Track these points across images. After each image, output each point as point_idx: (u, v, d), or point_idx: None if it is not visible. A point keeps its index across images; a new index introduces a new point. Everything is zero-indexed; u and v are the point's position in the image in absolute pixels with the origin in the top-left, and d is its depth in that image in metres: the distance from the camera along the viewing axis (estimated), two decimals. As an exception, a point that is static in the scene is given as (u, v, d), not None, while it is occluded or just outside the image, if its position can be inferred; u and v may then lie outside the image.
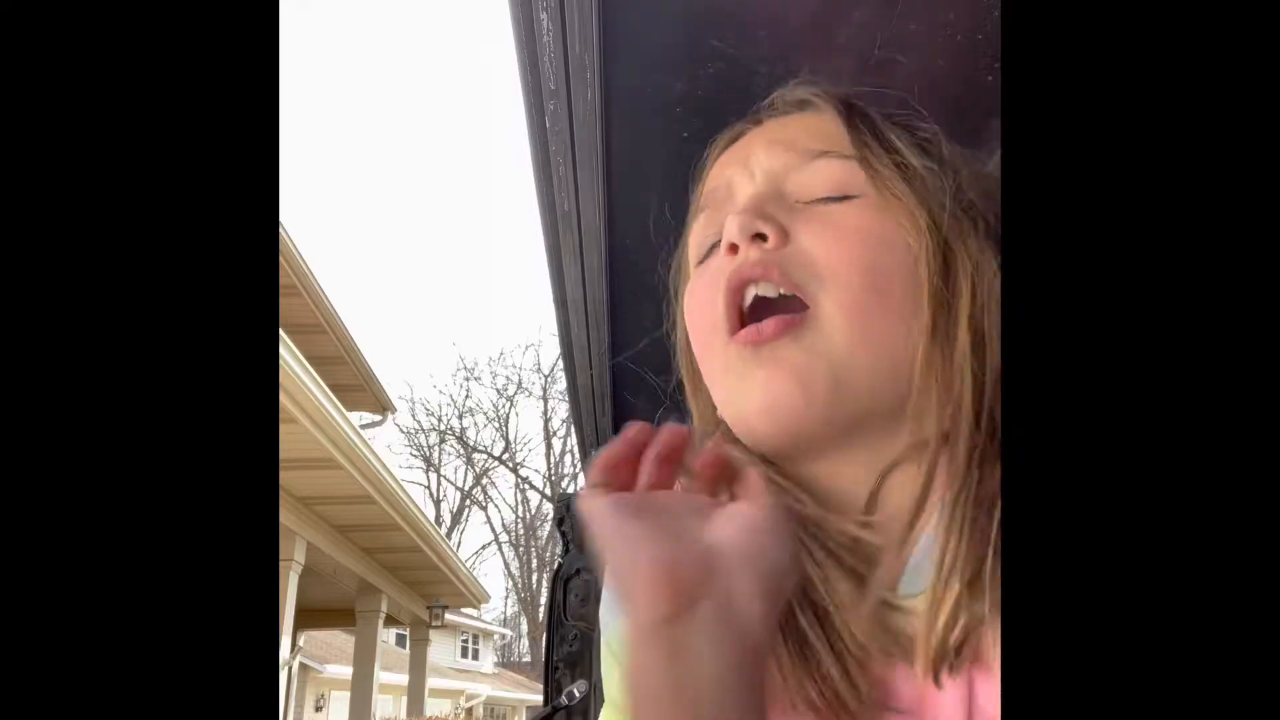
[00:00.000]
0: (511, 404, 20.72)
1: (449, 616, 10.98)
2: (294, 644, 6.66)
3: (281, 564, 6.09)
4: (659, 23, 0.60)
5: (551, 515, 2.02)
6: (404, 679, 10.71)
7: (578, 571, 1.84)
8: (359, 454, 5.82)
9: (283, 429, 5.06)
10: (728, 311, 0.43)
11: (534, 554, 22.46)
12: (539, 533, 22.50)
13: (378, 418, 11.03)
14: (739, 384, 0.43)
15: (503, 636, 23.60)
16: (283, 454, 5.45)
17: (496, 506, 23.10)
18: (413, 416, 21.08)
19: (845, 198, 0.43)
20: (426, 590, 9.98)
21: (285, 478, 5.90)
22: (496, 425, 21.04)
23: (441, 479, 22.33)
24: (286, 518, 6.11)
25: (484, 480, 22.45)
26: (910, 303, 0.40)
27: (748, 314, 0.43)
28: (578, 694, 1.76)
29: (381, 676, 8.74)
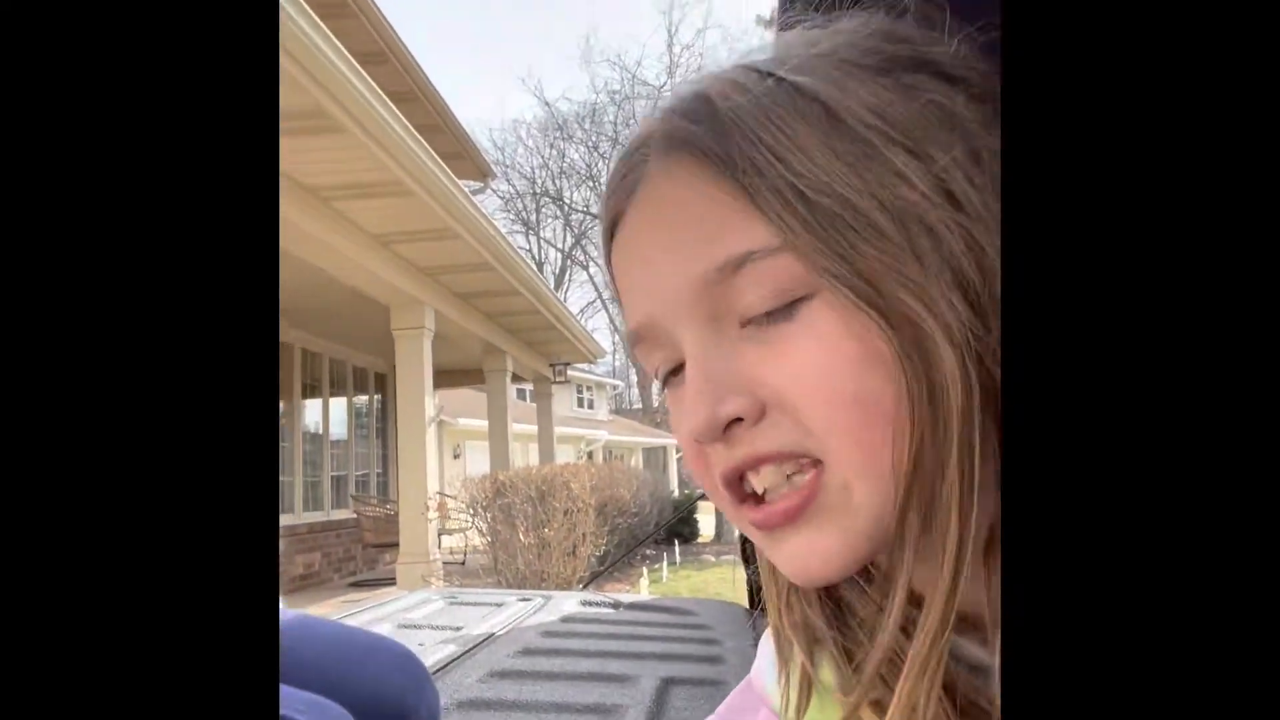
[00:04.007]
0: (607, 161, 20.32)
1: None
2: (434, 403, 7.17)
3: (413, 331, 6.42)
4: None
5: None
6: (529, 428, 11.57)
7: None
8: (475, 223, 5.86)
9: (400, 202, 5.10)
10: (729, 495, 0.35)
11: (638, 309, 23.02)
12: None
13: (478, 185, 11.04)
14: (761, 546, 0.37)
15: (614, 387, 24.93)
16: (403, 226, 5.55)
17: (597, 264, 23.49)
18: (508, 182, 21.04)
19: (794, 303, 0.32)
20: (545, 349, 10.46)
21: (408, 249, 6.04)
22: (591, 184, 20.82)
23: (542, 241, 22.66)
24: (414, 288, 6.34)
25: (583, 240, 22.66)
26: (902, 404, 0.31)
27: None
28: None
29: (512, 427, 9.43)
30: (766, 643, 0.45)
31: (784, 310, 0.32)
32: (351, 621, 1.57)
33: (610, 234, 0.38)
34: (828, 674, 0.38)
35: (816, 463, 0.33)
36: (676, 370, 0.37)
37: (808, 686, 0.39)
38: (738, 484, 0.35)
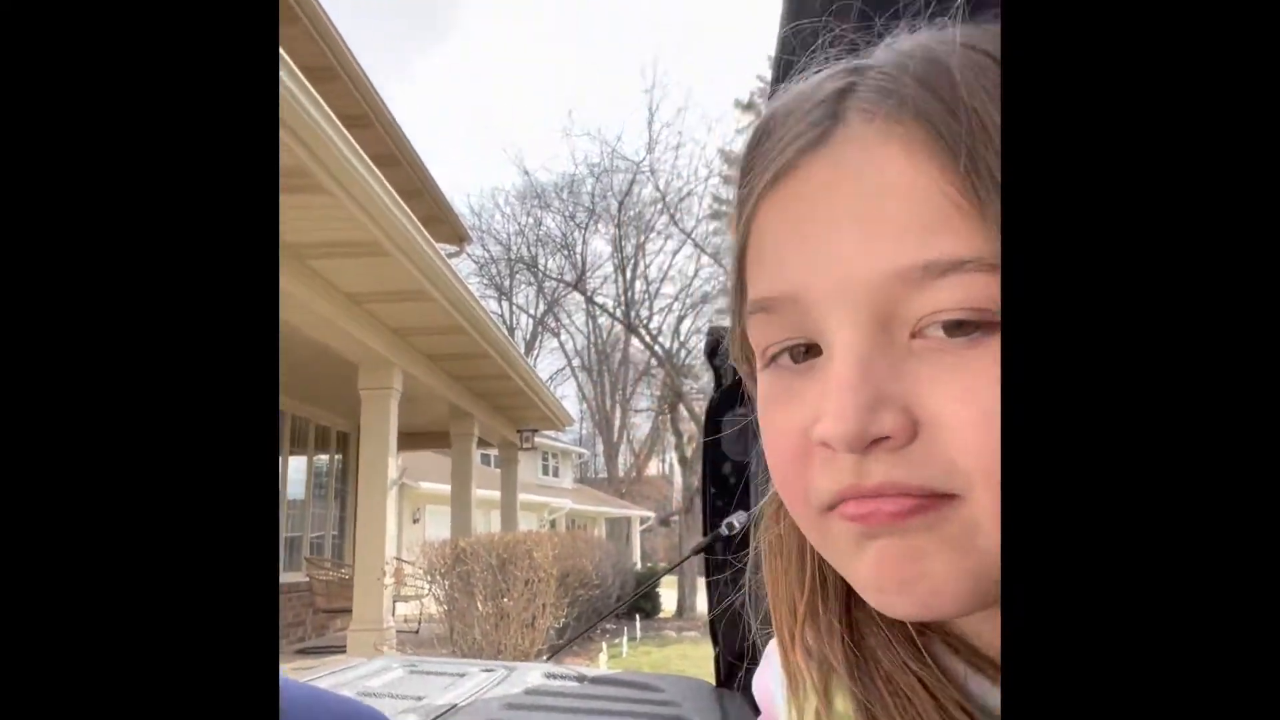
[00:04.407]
0: (583, 231, 20.58)
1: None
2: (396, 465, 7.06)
3: (381, 391, 6.35)
4: None
5: (703, 348, 1.97)
6: (493, 494, 11.39)
7: (732, 405, 1.81)
8: (449, 285, 5.87)
9: (376, 262, 5.11)
10: (827, 500, 0.31)
11: (607, 377, 23.08)
12: (611, 356, 23.01)
13: (454, 249, 11.10)
14: (843, 557, 0.32)
15: (580, 455, 24.74)
16: (377, 287, 5.55)
17: (569, 332, 23.59)
18: (483, 247, 21.19)
19: (980, 326, 0.28)
20: (513, 414, 10.39)
21: (381, 309, 6.03)
22: (566, 253, 21.04)
23: (515, 307, 22.73)
24: (384, 348, 6.30)
25: (555, 307, 22.78)
26: None
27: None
28: (737, 525, 1.78)
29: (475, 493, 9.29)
30: (771, 662, 0.42)
31: (967, 330, 0.29)
32: (308, 689, 1.51)
33: (771, 182, 0.33)
34: (843, 704, 0.36)
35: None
36: (794, 354, 0.32)
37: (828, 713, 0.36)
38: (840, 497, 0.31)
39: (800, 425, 0.31)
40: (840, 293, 0.30)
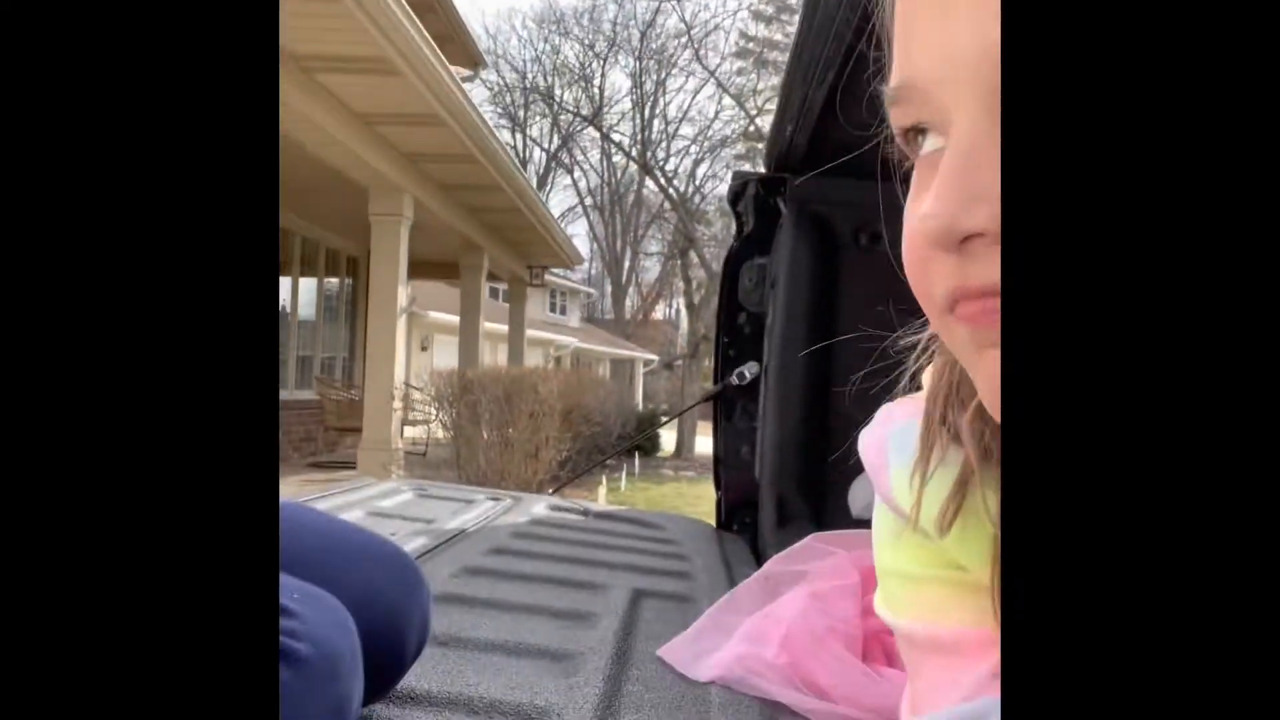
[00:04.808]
0: (602, 62, 19.67)
1: (541, 274, 11.46)
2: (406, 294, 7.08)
3: (391, 218, 6.27)
4: None
5: (725, 194, 1.88)
6: (500, 328, 11.51)
7: (751, 255, 1.77)
8: (463, 111, 5.66)
9: (387, 81, 4.90)
10: (941, 301, 0.31)
11: (619, 218, 22.76)
12: (625, 197, 22.59)
13: (468, 73, 10.65)
14: (966, 359, 0.32)
15: (588, 295, 24.83)
16: (388, 108, 5.35)
17: (582, 169, 23.05)
18: (497, 73, 20.32)
19: None
20: (523, 250, 10.32)
21: (391, 133, 5.84)
22: (583, 85, 20.21)
23: (528, 139, 22.09)
24: (395, 173, 6.16)
25: (570, 142, 22.15)
26: None
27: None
28: (748, 374, 1.77)
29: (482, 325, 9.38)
30: (889, 433, 0.43)
31: None
32: (321, 505, 1.56)
33: None
34: (990, 499, 0.36)
35: None
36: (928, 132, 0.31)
37: (961, 493, 0.38)
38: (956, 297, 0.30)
39: (921, 232, 0.30)
40: (953, 74, 0.29)
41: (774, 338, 1.67)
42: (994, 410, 0.31)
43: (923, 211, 0.29)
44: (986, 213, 0.27)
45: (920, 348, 0.43)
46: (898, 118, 0.32)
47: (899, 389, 0.46)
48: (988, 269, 0.28)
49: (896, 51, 0.32)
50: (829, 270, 1.63)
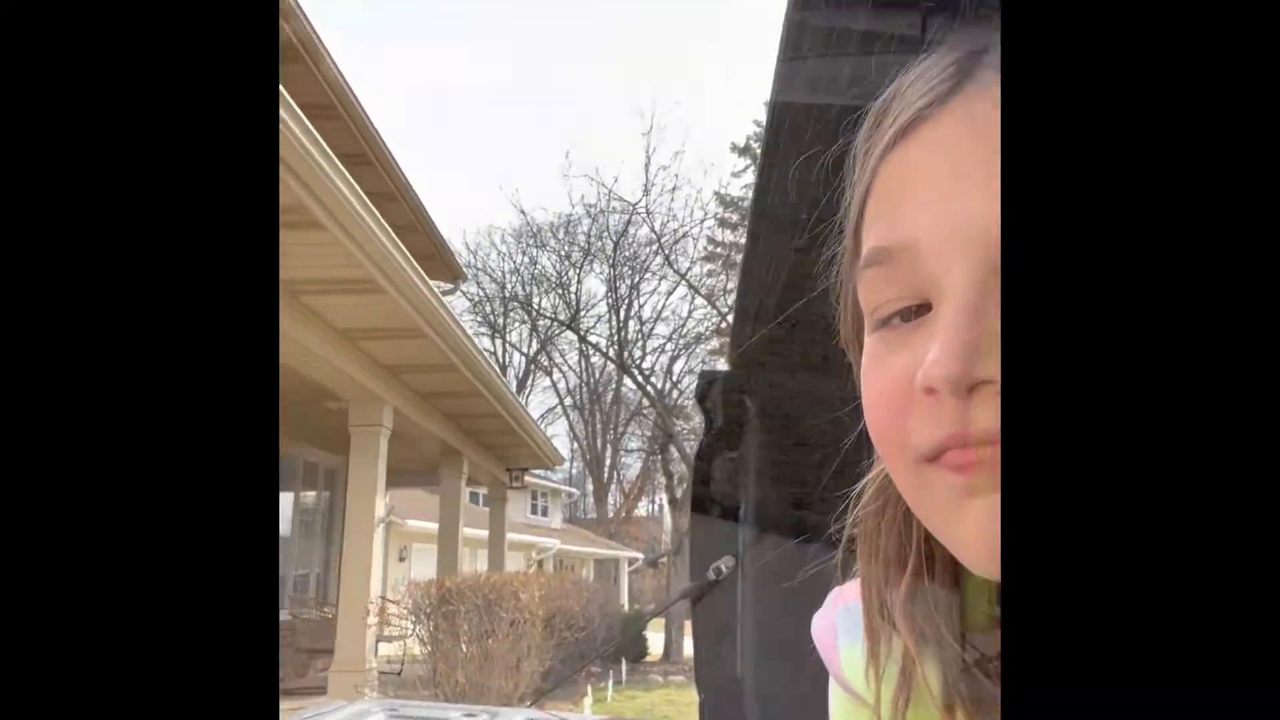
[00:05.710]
0: (578, 271, 20.65)
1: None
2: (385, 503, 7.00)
3: (371, 429, 6.31)
4: None
5: (694, 390, 1.98)
6: (480, 533, 11.27)
7: (721, 450, 1.81)
8: (443, 323, 5.88)
9: (370, 299, 5.11)
10: (928, 450, 0.31)
11: (598, 416, 23.01)
12: (604, 395, 22.96)
13: (449, 286, 11.14)
14: (943, 514, 0.32)
15: (570, 495, 24.57)
16: (371, 323, 5.54)
17: (561, 371, 23.57)
18: (478, 284, 21.24)
19: None
20: (503, 452, 10.33)
21: (373, 346, 6.02)
22: (560, 292, 21.10)
23: (507, 345, 22.73)
24: (376, 385, 6.28)
25: (549, 346, 22.78)
26: None
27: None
28: (724, 569, 1.77)
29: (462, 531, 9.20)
30: (837, 615, 0.44)
31: None
32: (286, 733, 1.48)
33: (901, 131, 0.33)
34: (932, 677, 0.36)
35: None
36: (905, 314, 0.32)
37: (908, 684, 0.37)
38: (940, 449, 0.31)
39: (905, 372, 0.31)
40: (959, 240, 0.30)
41: (747, 531, 1.68)
42: (973, 564, 0.31)
43: (931, 358, 0.29)
44: (994, 363, 0.28)
45: (843, 508, 0.44)
46: (879, 285, 0.33)
47: (836, 576, 0.48)
48: (992, 416, 0.29)
49: (880, 219, 0.34)
50: (796, 462, 1.68)
